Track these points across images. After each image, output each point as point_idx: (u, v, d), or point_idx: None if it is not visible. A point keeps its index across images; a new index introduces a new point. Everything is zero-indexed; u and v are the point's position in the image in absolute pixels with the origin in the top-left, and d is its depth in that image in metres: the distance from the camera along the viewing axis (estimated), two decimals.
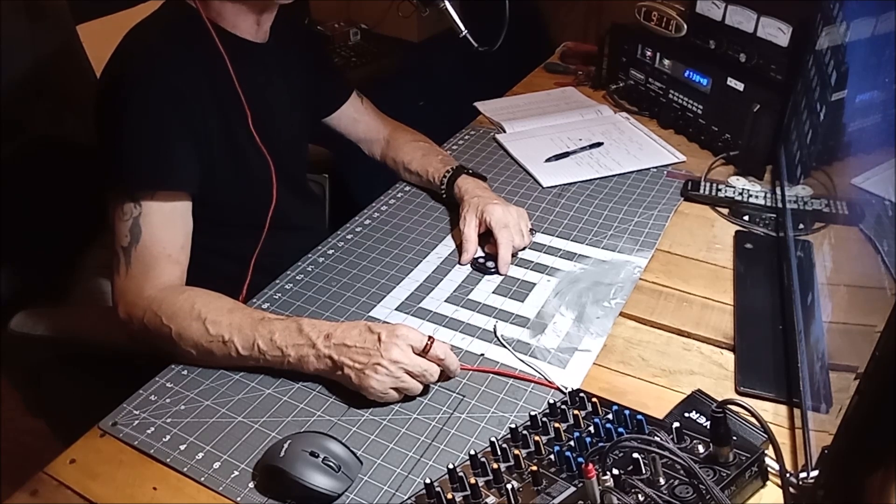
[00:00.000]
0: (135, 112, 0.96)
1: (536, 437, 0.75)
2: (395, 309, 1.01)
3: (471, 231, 1.12)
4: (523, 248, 1.13)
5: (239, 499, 0.75)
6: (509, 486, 0.67)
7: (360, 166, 1.41)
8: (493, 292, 1.04)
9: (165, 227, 0.97)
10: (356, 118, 1.35)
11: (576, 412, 0.78)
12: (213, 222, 1.06)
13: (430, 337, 0.85)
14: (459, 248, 1.12)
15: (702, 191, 1.23)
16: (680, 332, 0.96)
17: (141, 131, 0.96)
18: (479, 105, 1.60)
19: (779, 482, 0.73)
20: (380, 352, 0.83)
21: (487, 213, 1.11)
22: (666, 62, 1.45)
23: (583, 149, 1.39)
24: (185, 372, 0.90)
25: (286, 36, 1.14)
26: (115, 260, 0.96)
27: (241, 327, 0.88)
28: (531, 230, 1.15)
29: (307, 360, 0.85)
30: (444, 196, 1.23)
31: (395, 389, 0.84)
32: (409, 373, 0.83)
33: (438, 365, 0.85)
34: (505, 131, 1.48)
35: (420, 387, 0.85)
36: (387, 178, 1.34)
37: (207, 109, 1.01)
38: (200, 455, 0.79)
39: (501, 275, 1.08)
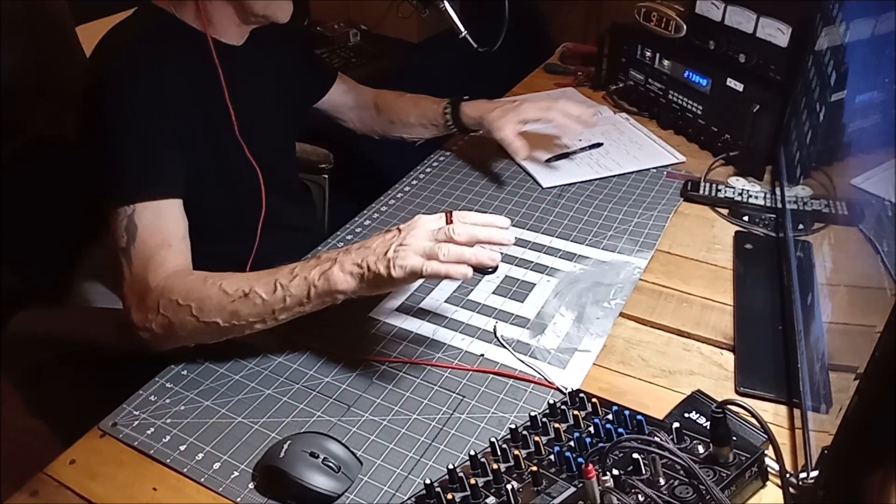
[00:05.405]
0: (119, 118, 0.95)
1: (536, 438, 0.75)
2: (396, 309, 1.01)
3: (510, 133, 1.22)
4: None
5: (239, 499, 0.75)
6: (509, 487, 0.67)
7: (360, 166, 1.42)
8: (493, 292, 1.04)
9: (161, 220, 0.95)
10: (346, 89, 1.39)
11: (576, 412, 0.78)
12: (204, 226, 1.06)
13: (448, 211, 0.83)
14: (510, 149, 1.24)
15: (701, 191, 1.23)
16: (680, 333, 0.96)
17: (126, 137, 0.95)
18: None
19: (779, 482, 0.73)
20: (400, 236, 0.81)
21: (524, 112, 1.23)
22: (666, 62, 1.45)
23: (583, 149, 1.39)
24: (184, 372, 0.90)
25: (264, 35, 1.12)
26: (117, 269, 0.94)
27: (259, 277, 0.86)
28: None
29: (333, 277, 0.82)
30: (454, 128, 1.32)
31: (431, 258, 0.79)
32: (436, 240, 0.80)
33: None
34: None
35: (457, 248, 0.79)
36: (387, 179, 1.34)
37: (191, 115, 1.00)
38: (200, 455, 0.79)
39: (592, 124, 1.30)
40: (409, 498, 0.73)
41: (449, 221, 0.82)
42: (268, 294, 0.84)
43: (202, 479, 0.77)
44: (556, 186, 1.29)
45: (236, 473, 0.77)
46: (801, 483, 0.71)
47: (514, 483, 0.69)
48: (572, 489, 0.69)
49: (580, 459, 0.71)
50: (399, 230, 0.82)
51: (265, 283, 0.84)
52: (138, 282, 0.92)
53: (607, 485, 0.64)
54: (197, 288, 0.87)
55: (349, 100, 1.39)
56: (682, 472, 0.68)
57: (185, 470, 0.78)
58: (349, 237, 1.17)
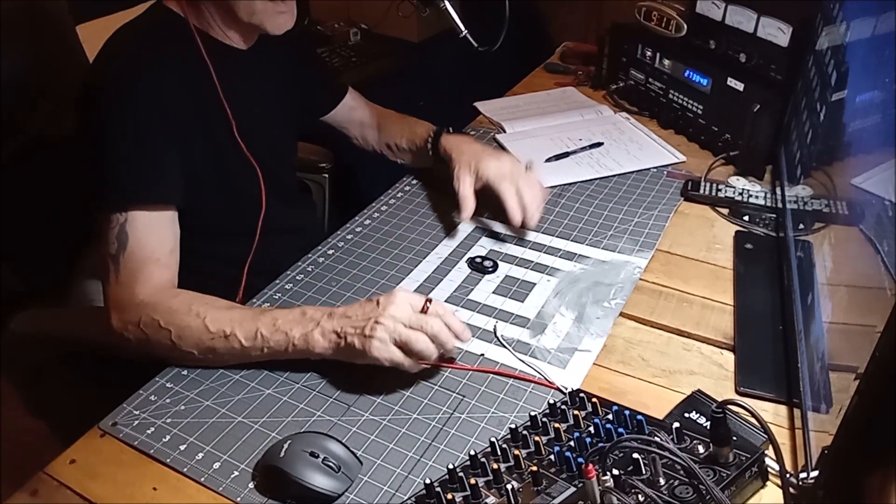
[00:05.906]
0: (117, 122, 0.95)
1: (536, 438, 0.75)
2: None
3: (466, 188, 1.14)
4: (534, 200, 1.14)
5: (239, 499, 0.75)
6: (509, 487, 0.67)
7: (360, 166, 1.42)
8: (493, 292, 1.04)
9: (152, 232, 0.95)
10: (353, 106, 1.37)
11: (576, 412, 0.78)
12: (204, 228, 1.06)
13: (427, 298, 0.86)
14: (457, 205, 1.14)
15: (702, 191, 1.23)
16: (680, 333, 0.96)
17: (124, 142, 0.95)
18: (479, 105, 1.60)
19: (779, 482, 0.72)
20: (378, 311, 0.83)
21: (482, 169, 1.14)
22: (666, 62, 1.45)
23: (583, 149, 1.39)
24: (185, 372, 0.90)
25: (272, 41, 1.11)
26: (104, 271, 0.94)
27: (243, 320, 0.87)
28: (527, 166, 1.18)
29: (312, 339, 0.85)
30: (432, 156, 1.26)
31: (400, 347, 0.83)
32: (409, 327, 0.83)
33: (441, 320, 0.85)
34: (505, 131, 1.48)
35: (425, 342, 0.83)
36: (387, 178, 1.34)
37: (191, 118, 1.00)
38: (200, 455, 0.79)
39: (517, 227, 1.13)
40: (409, 498, 0.73)
41: (425, 309, 0.85)
42: (247, 340, 0.86)
43: (202, 479, 0.77)
44: (556, 186, 1.29)
45: (236, 473, 0.77)
46: (801, 483, 0.71)
47: (514, 483, 0.69)
48: (572, 489, 0.69)
49: (580, 459, 0.71)
50: (378, 303, 0.84)
51: (247, 328, 0.86)
52: (123, 291, 0.93)
53: (607, 485, 0.64)
54: (180, 314, 0.88)
55: (355, 117, 1.37)
56: (682, 472, 0.68)
57: (185, 469, 0.78)
58: (349, 237, 1.17)
